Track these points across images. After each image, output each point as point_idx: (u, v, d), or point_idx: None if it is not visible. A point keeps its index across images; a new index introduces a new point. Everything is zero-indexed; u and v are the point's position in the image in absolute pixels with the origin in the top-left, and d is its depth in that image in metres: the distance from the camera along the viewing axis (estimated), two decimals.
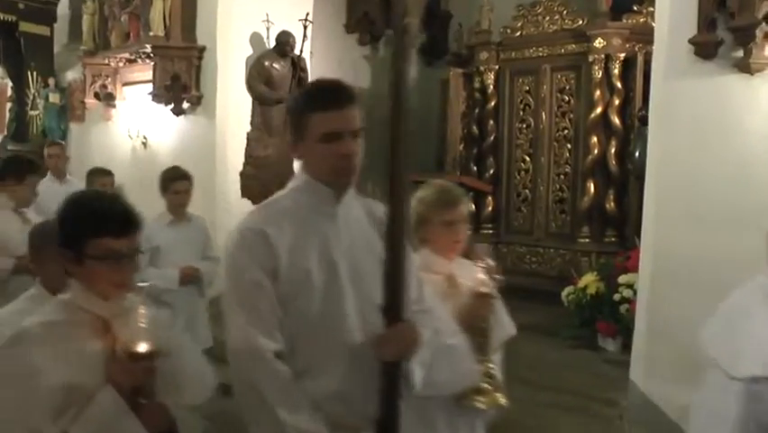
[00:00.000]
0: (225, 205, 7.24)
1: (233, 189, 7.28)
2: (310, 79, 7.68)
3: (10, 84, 9.02)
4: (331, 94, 1.98)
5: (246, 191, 7.30)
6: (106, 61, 8.16)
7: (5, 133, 8.88)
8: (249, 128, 7.36)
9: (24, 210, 4.22)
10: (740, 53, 4.14)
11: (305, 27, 7.44)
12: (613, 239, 6.69)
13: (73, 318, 1.80)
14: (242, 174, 7.29)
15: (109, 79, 8.21)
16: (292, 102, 2.21)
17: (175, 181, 4.43)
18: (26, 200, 4.27)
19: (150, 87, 7.45)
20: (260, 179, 7.29)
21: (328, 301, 1.83)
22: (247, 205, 7.30)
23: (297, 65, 7.42)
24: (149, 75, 7.48)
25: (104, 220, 1.78)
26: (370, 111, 8.50)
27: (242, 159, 7.34)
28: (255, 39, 7.40)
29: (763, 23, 3.95)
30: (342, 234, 1.91)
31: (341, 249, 1.89)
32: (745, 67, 4.13)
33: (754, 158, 4.18)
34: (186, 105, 7.33)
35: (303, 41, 7.43)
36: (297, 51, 7.39)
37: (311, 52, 7.72)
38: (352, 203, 2.00)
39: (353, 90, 2.05)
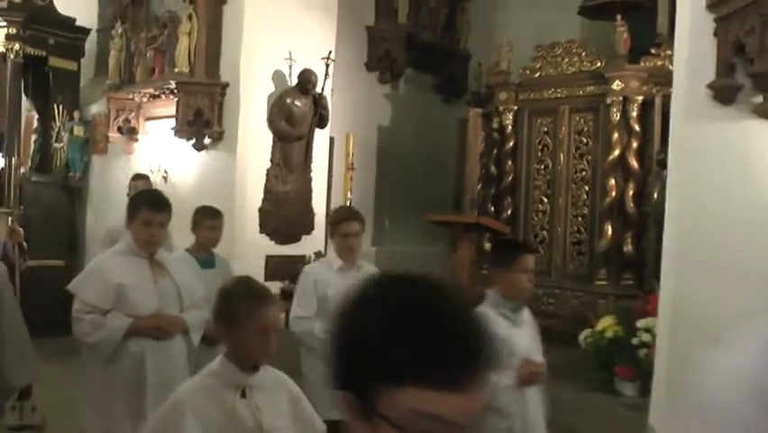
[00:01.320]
0: (243, 241, 7.29)
1: (251, 225, 7.34)
2: (331, 117, 7.79)
3: (36, 116, 9.19)
4: None
5: (265, 227, 7.36)
6: (131, 96, 8.31)
7: (29, 164, 9.03)
8: (269, 164, 7.44)
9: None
10: (759, 99, 4.14)
11: (327, 65, 7.55)
12: (630, 282, 6.64)
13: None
14: (260, 210, 7.35)
15: (132, 114, 8.34)
16: None
17: (211, 218, 4.42)
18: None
19: (172, 122, 7.57)
20: (278, 214, 7.35)
21: None
22: (265, 240, 7.36)
23: (319, 102, 7.53)
24: (172, 110, 7.60)
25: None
26: (389, 147, 8.64)
27: (261, 194, 7.41)
28: (277, 76, 7.51)
29: None
30: None
31: None
32: (764, 112, 4.12)
33: None
34: (207, 140, 7.42)
35: (325, 78, 7.54)
36: (318, 89, 7.50)
37: (332, 90, 7.82)
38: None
39: None
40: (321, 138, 7.91)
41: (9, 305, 3.91)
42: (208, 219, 4.42)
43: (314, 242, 7.75)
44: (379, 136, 9.45)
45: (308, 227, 7.79)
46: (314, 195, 7.84)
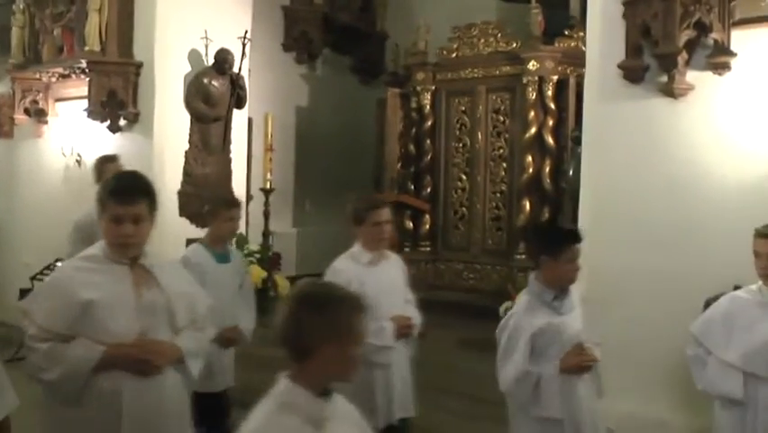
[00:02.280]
0: (162, 224, 7.14)
1: (170, 208, 7.19)
2: (249, 98, 7.70)
3: None
4: None
5: (184, 210, 7.23)
6: (38, 76, 7.94)
7: None
8: (187, 146, 7.30)
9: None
10: (664, 78, 4.39)
11: (243, 45, 7.44)
12: None
13: None
14: (179, 193, 7.21)
15: (41, 95, 7.98)
16: None
17: (228, 208, 4.11)
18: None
19: (84, 103, 7.30)
20: (198, 197, 7.23)
21: None
22: (185, 224, 7.23)
23: (236, 83, 7.42)
24: (83, 91, 7.31)
25: None
26: (307, 128, 8.64)
27: (180, 177, 7.26)
28: (193, 56, 7.36)
29: (684, 52, 4.21)
30: None
31: None
32: (669, 91, 4.37)
33: (680, 177, 4.42)
34: (122, 122, 7.20)
35: (242, 58, 7.44)
36: (235, 69, 7.39)
37: (249, 70, 7.73)
38: None
39: None
40: (239, 119, 7.81)
41: None
42: (225, 209, 4.08)
43: None
44: (298, 117, 9.40)
45: None
46: (233, 177, 7.75)
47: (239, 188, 7.78)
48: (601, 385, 3.24)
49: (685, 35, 4.14)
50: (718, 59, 4.20)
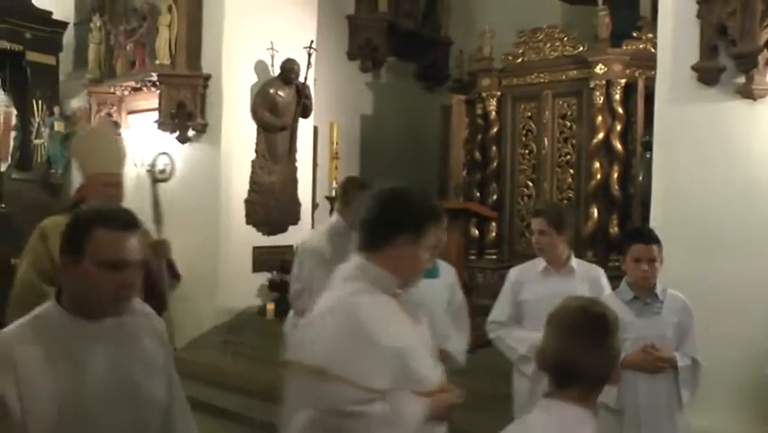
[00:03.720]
0: (229, 233, 7.28)
1: (238, 216, 7.32)
2: (314, 106, 7.78)
3: (15, 112, 9.07)
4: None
5: (251, 218, 7.35)
6: (112, 90, 8.24)
7: (9, 161, 8.91)
8: (253, 155, 7.42)
9: None
10: (742, 79, 4.20)
11: (309, 55, 7.54)
12: (617, 263, 6.67)
13: None
14: (246, 201, 7.34)
15: (114, 107, 8.27)
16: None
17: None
18: None
19: (155, 115, 7.51)
20: (264, 205, 7.34)
21: None
22: (251, 231, 7.35)
23: (302, 92, 7.51)
24: (154, 103, 7.55)
25: None
26: (372, 136, 8.66)
27: (246, 186, 7.39)
28: (260, 66, 7.49)
29: (765, 50, 4.02)
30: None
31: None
32: (747, 93, 4.19)
33: (758, 182, 4.23)
34: (191, 132, 7.39)
35: (307, 68, 7.53)
36: (301, 79, 7.48)
37: (315, 79, 7.81)
38: None
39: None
40: (305, 128, 7.90)
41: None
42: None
43: (300, 232, 7.75)
44: (363, 125, 9.44)
45: (294, 218, 7.79)
46: (299, 185, 7.83)
47: (305, 195, 7.87)
48: (689, 395, 3.20)
49: (766, 33, 3.95)
50: None
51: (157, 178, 4.20)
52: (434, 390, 2.03)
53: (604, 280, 3.74)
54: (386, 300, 2.03)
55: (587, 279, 3.68)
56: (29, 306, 2.58)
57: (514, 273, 3.81)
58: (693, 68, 4.40)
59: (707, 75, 4.36)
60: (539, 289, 3.57)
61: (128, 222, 1.89)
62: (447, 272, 3.70)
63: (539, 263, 3.69)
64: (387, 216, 2.02)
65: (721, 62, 4.30)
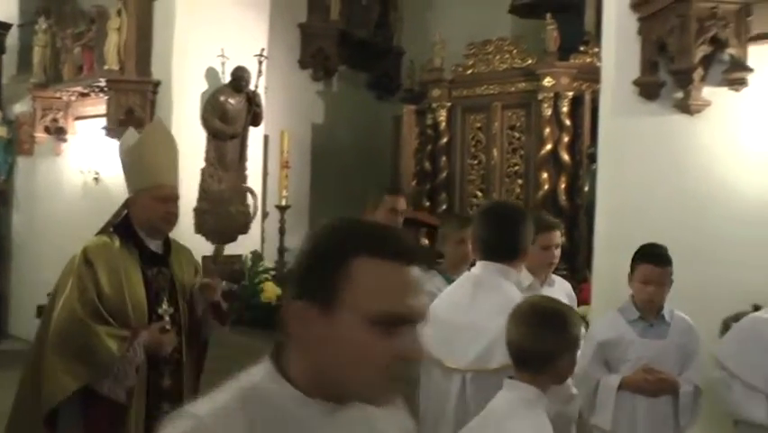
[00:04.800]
0: (179, 240, 7.17)
1: (187, 225, 7.22)
2: (265, 115, 7.74)
3: None
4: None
5: (200, 227, 7.27)
6: (58, 95, 8.07)
7: None
8: (203, 163, 7.35)
9: None
10: (680, 95, 4.35)
11: (260, 62, 7.50)
12: (564, 271, 6.81)
13: None
14: (196, 210, 7.25)
15: (61, 113, 8.10)
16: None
17: (459, 229, 3.75)
18: None
19: (103, 121, 7.38)
20: (214, 214, 7.27)
21: None
22: (201, 241, 7.27)
23: (252, 100, 7.47)
24: (102, 109, 7.41)
25: None
26: (323, 145, 8.66)
27: (196, 194, 7.31)
28: (210, 74, 7.42)
29: (700, 68, 4.17)
30: None
31: None
32: (685, 108, 4.33)
33: (696, 195, 4.37)
34: None
35: (258, 76, 7.49)
36: (252, 87, 7.44)
37: (266, 87, 7.78)
38: None
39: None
40: (255, 136, 7.85)
41: None
42: (456, 231, 3.74)
43: (250, 241, 7.70)
44: (314, 134, 9.43)
45: (244, 227, 7.72)
46: (249, 194, 7.78)
47: (254, 204, 7.81)
48: (687, 422, 3.17)
49: (701, 51, 4.10)
50: (735, 74, 4.15)
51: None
52: None
53: (572, 293, 3.89)
54: None
55: (563, 290, 3.75)
56: (78, 349, 2.60)
57: None
58: (635, 82, 4.53)
59: (648, 90, 4.50)
60: None
61: (407, 250, 1.25)
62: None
63: (524, 279, 3.31)
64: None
65: (661, 77, 4.45)
